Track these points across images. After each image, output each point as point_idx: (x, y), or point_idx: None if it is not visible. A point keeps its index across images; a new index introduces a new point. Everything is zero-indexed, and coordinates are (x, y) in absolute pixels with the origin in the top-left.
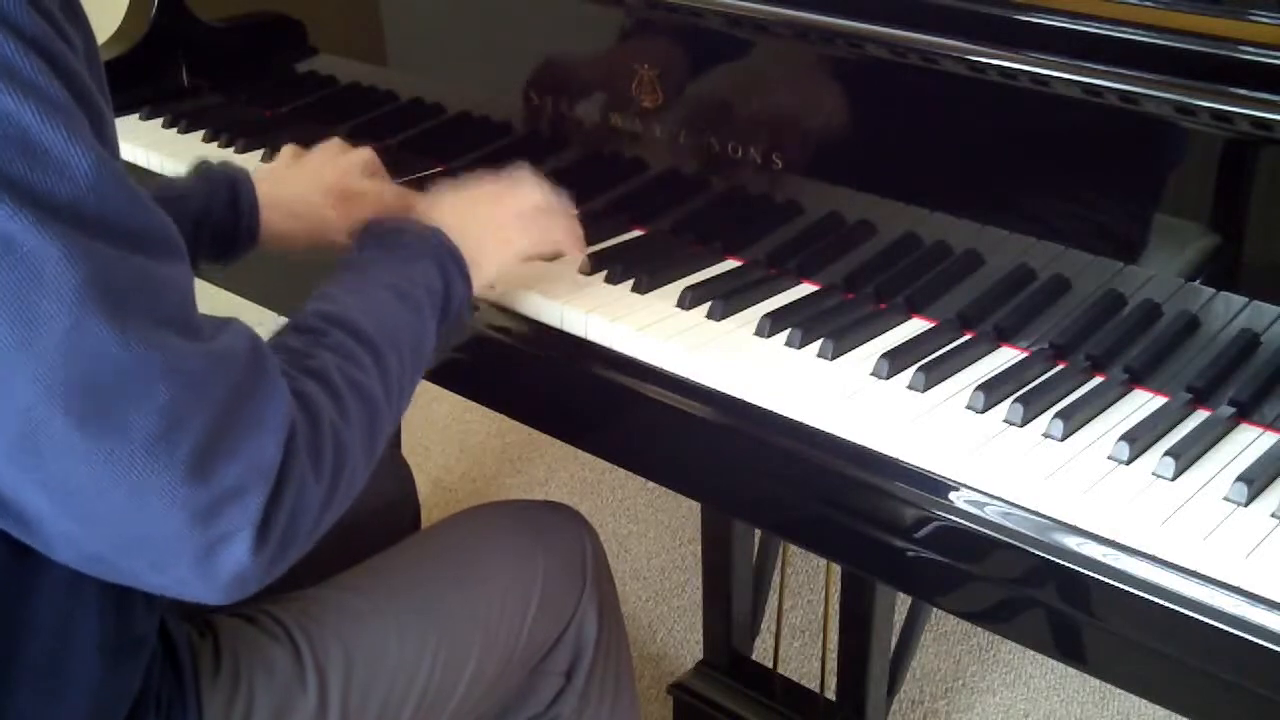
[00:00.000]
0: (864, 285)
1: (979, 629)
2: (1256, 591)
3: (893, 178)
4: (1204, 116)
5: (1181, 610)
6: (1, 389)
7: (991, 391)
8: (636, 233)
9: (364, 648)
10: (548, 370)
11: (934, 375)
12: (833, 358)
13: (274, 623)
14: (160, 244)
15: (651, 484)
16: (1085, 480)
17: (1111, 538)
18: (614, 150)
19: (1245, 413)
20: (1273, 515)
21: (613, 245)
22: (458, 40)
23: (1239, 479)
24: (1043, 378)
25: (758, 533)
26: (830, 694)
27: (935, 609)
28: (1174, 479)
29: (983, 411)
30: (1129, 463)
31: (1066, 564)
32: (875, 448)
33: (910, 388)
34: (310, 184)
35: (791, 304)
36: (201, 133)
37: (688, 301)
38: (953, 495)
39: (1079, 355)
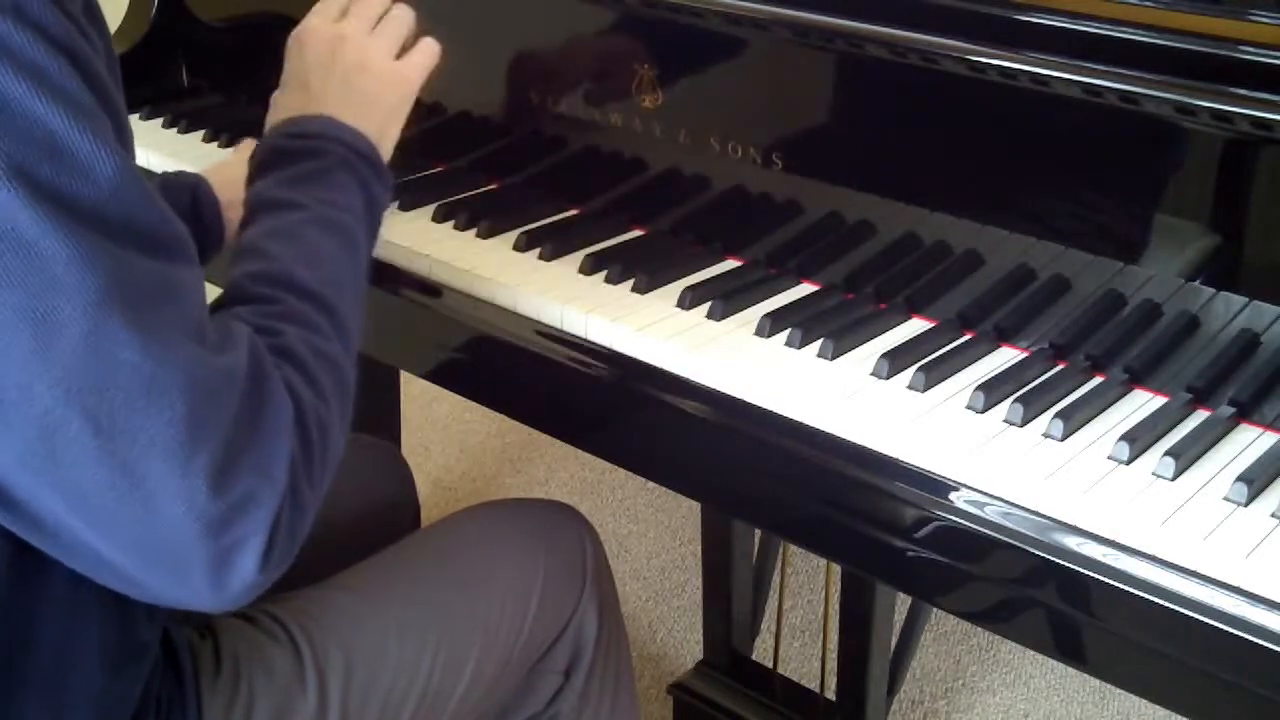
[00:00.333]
0: (864, 285)
1: (979, 629)
2: (1256, 591)
3: (893, 178)
4: (1204, 116)
5: (1181, 610)
6: (20, 393)
7: (991, 391)
8: (636, 233)
9: (364, 648)
10: (548, 370)
11: (934, 375)
12: (833, 358)
13: (274, 623)
14: (177, 249)
15: (651, 484)
16: (1085, 480)
17: (1111, 538)
18: (614, 150)
19: (1245, 413)
20: (1273, 515)
21: (613, 245)
22: (457, 40)
23: (1239, 479)
24: (1043, 378)
25: (758, 533)
26: (830, 694)
27: (935, 609)
28: (1174, 479)
29: (983, 411)
30: (1129, 463)
31: (1066, 564)
32: (875, 448)
33: (910, 388)
34: None
35: (791, 304)
36: (201, 133)
37: (688, 301)
38: (953, 495)
39: (1079, 355)
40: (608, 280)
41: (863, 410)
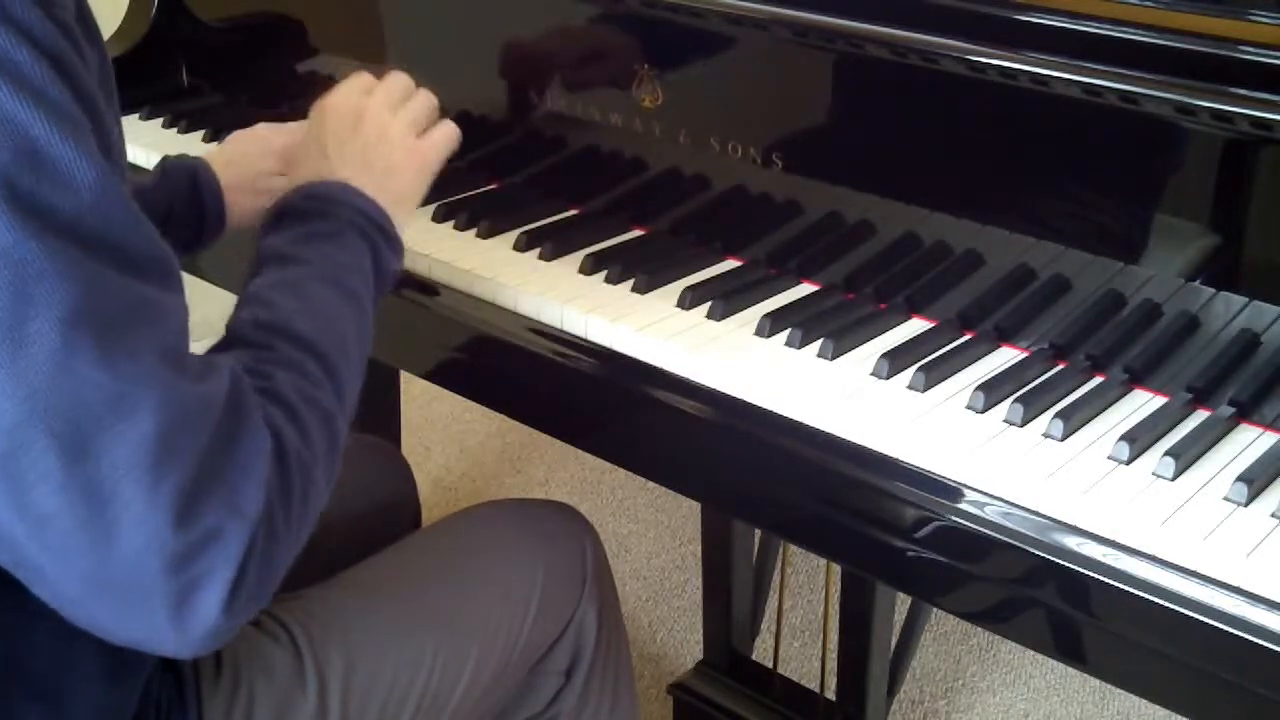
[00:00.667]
0: (864, 285)
1: (979, 629)
2: (1256, 591)
3: (893, 178)
4: (1204, 116)
5: (1181, 610)
6: None
7: (991, 391)
8: (636, 233)
9: (364, 648)
10: (548, 370)
11: (934, 375)
12: (833, 358)
13: (274, 624)
14: (159, 271)
15: (651, 484)
16: (1085, 480)
17: (1111, 538)
18: (614, 150)
19: (1245, 413)
20: (1273, 515)
21: (613, 245)
22: (458, 40)
23: (1239, 479)
24: (1043, 378)
25: (758, 533)
26: (830, 694)
27: (935, 609)
28: (1174, 479)
29: (983, 411)
30: (1129, 463)
31: (1066, 564)
32: (875, 448)
33: (910, 388)
34: (263, 155)
35: (791, 304)
36: (201, 133)
37: (688, 301)
38: (953, 495)
39: (1079, 355)
40: (608, 280)
41: (863, 410)
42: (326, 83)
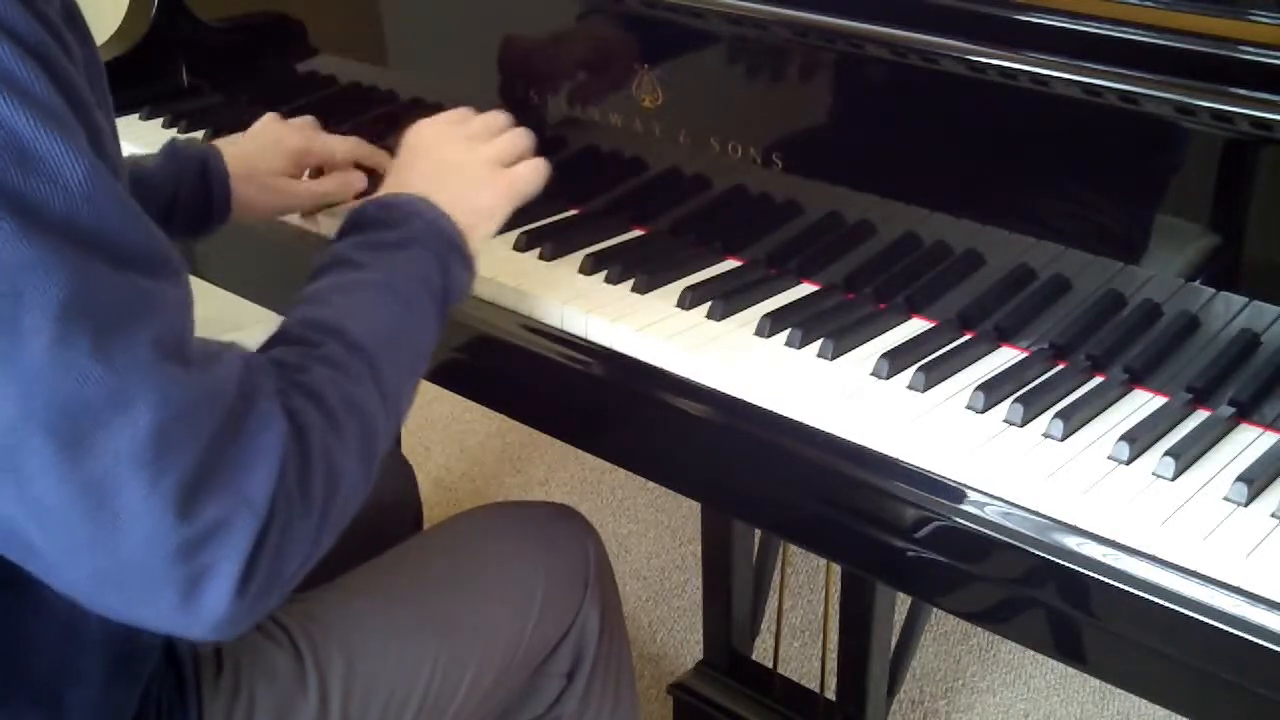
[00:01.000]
0: (864, 285)
1: (979, 629)
2: (1256, 591)
3: (893, 178)
4: (1204, 116)
5: (1181, 610)
6: None
7: (991, 391)
8: (636, 233)
9: (365, 650)
10: (548, 370)
11: (934, 375)
12: (833, 358)
13: (275, 626)
14: (156, 263)
15: (651, 484)
16: (1085, 480)
17: (1111, 538)
18: (614, 150)
19: (1245, 413)
20: (1273, 515)
21: (613, 245)
22: (458, 40)
23: (1239, 479)
24: (1043, 378)
25: (758, 533)
26: (830, 694)
27: (935, 609)
28: (1174, 479)
29: (983, 411)
30: (1129, 463)
31: (1066, 564)
32: (875, 448)
33: (910, 388)
34: (274, 151)
35: (791, 304)
36: (202, 133)
37: (688, 301)
38: (953, 495)
39: (1079, 355)
40: (608, 280)
41: (863, 410)
42: (326, 82)
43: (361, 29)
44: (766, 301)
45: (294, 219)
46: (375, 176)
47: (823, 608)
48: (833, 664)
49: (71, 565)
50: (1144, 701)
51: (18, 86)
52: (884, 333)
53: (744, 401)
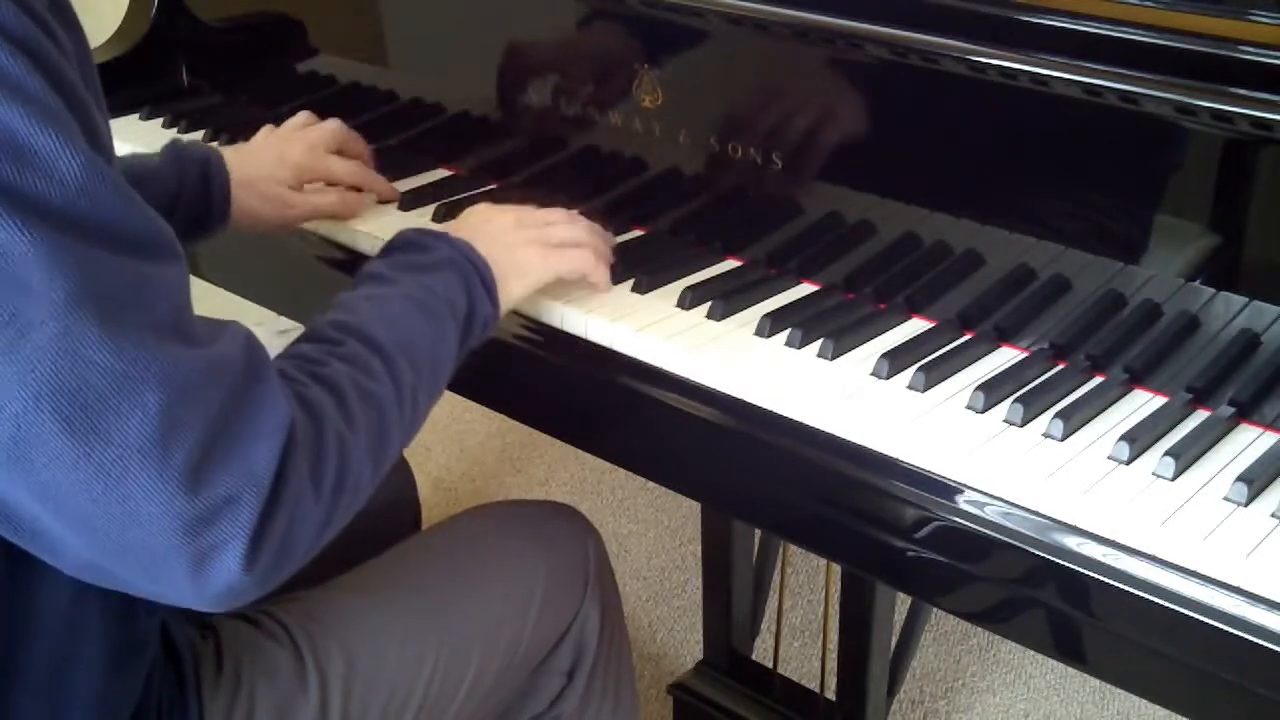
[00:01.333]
0: (864, 285)
1: (979, 629)
2: (1256, 591)
3: (893, 178)
4: (1204, 116)
5: (1181, 610)
6: None
7: (991, 391)
8: (636, 233)
9: (365, 649)
10: (548, 370)
11: (934, 375)
12: (833, 358)
13: (276, 625)
14: (155, 246)
15: (651, 484)
16: (1085, 480)
17: (1111, 538)
18: (614, 150)
19: (1245, 413)
20: (1273, 515)
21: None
22: (458, 40)
23: (1239, 479)
24: (1043, 378)
25: (758, 533)
26: (830, 694)
27: (935, 609)
28: (1174, 479)
29: (983, 411)
30: (1129, 463)
31: (1066, 564)
32: (875, 448)
33: (910, 388)
34: (277, 163)
35: (791, 304)
36: (201, 133)
37: (688, 301)
38: (953, 495)
39: (1079, 355)
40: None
41: (863, 410)
42: (326, 82)
43: (361, 29)
44: (766, 301)
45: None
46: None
47: (823, 608)
48: (833, 664)
49: (83, 545)
50: (1144, 701)
51: (10, 83)
52: (884, 333)
53: (744, 401)
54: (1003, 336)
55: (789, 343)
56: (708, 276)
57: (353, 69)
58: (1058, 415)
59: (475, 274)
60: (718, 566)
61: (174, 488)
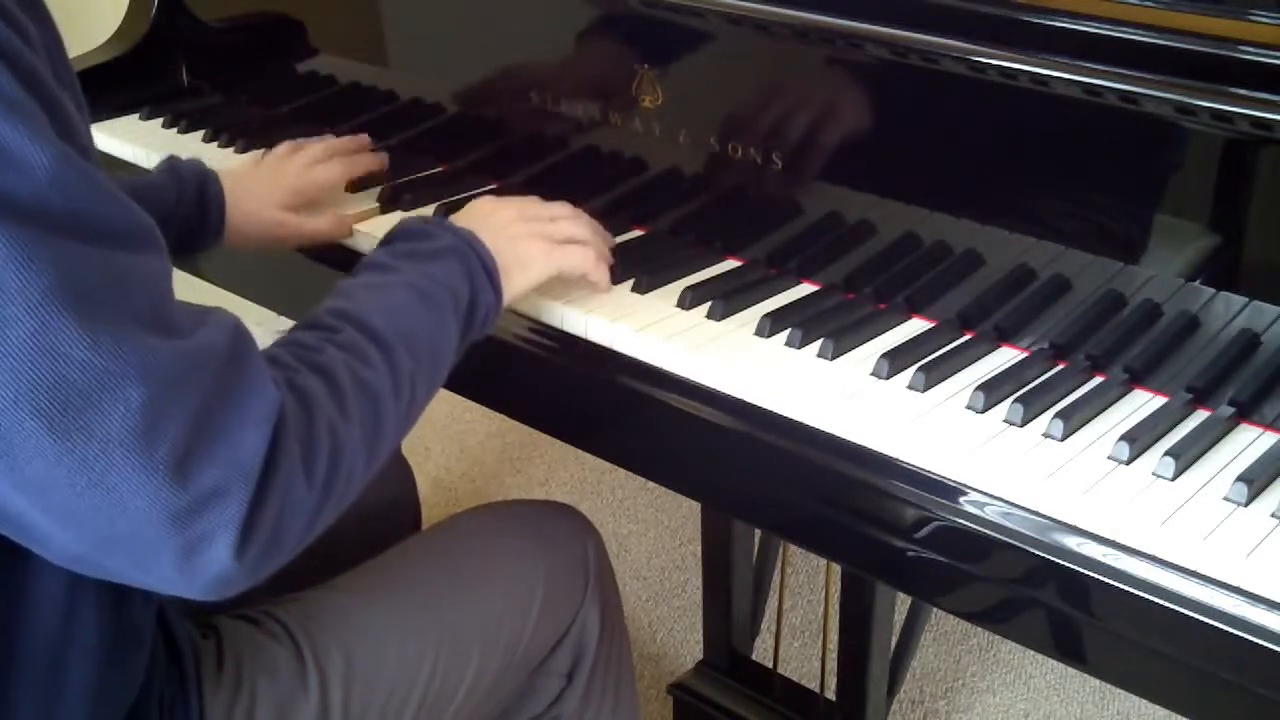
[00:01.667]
0: (864, 285)
1: (979, 629)
2: (1256, 591)
3: (893, 178)
4: (1204, 116)
5: (1181, 610)
6: None
7: (991, 391)
8: (636, 233)
9: (365, 649)
10: (547, 370)
11: (934, 375)
12: (833, 358)
13: (276, 624)
14: (132, 236)
15: (651, 484)
16: (1085, 480)
17: (1111, 538)
18: (614, 150)
19: (1245, 413)
20: (1273, 515)
21: (612, 245)
22: (458, 40)
23: (1239, 479)
24: (1043, 378)
25: (758, 533)
26: (830, 694)
27: (935, 609)
28: (1174, 479)
29: (983, 411)
30: (1129, 463)
31: (1066, 564)
32: (875, 448)
33: (910, 388)
34: (271, 186)
35: (791, 304)
36: (201, 133)
37: (688, 301)
38: (953, 495)
39: (1079, 355)
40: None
41: (863, 410)
42: (326, 82)
43: (361, 29)
44: (766, 301)
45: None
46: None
47: (823, 608)
48: (833, 664)
49: (70, 538)
50: (1144, 701)
51: None
52: (884, 333)
53: (744, 401)
54: (1003, 336)
55: (789, 343)
56: (708, 276)
57: (353, 69)
58: (1058, 415)
59: (478, 263)
60: (718, 566)
61: (160, 480)
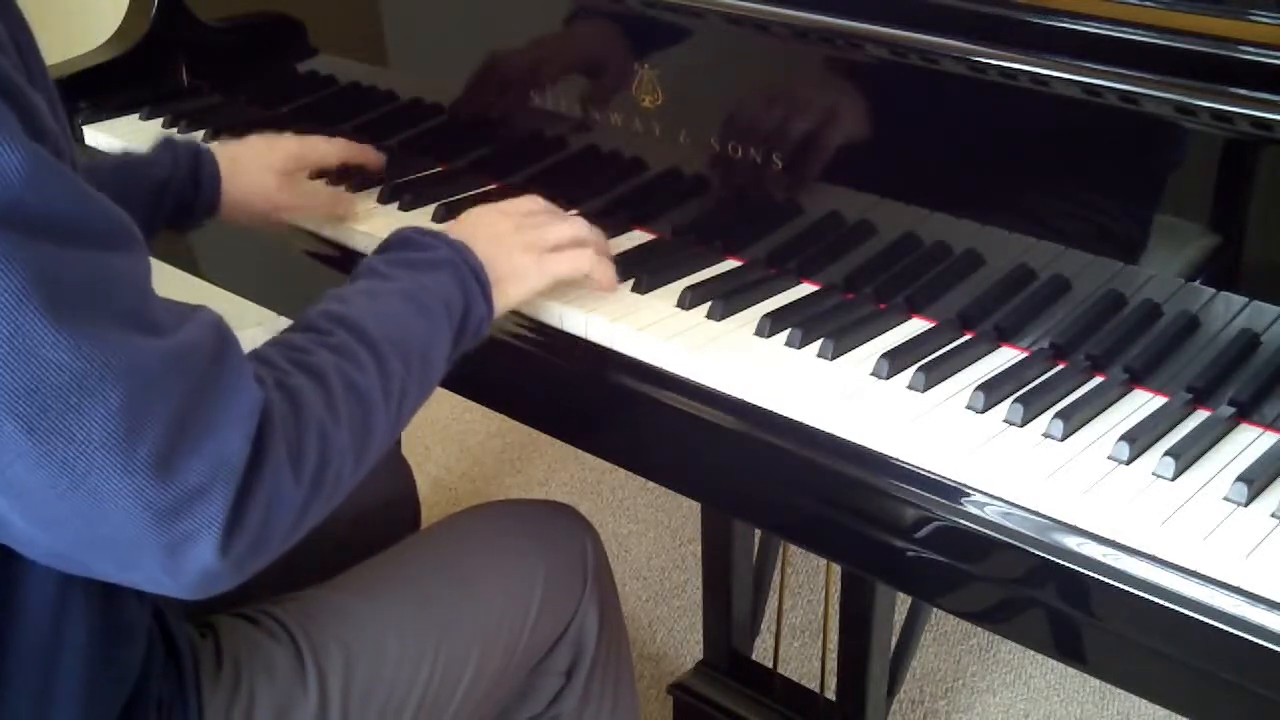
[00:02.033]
0: (864, 285)
1: (979, 629)
2: (1256, 591)
3: (893, 178)
4: (1204, 116)
5: (1182, 610)
6: None
7: (991, 391)
8: (636, 233)
9: (365, 649)
10: (548, 370)
11: (934, 375)
12: (833, 358)
13: (275, 623)
14: (109, 235)
15: (651, 484)
16: (1085, 480)
17: (1111, 538)
18: (614, 150)
19: (1245, 413)
20: (1273, 515)
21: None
22: (458, 40)
23: (1239, 479)
24: (1043, 378)
25: (758, 533)
26: (830, 694)
27: (935, 609)
28: (1174, 479)
29: (983, 411)
30: (1129, 463)
31: (1066, 564)
32: (875, 448)
33: (910, 388)
34: (269, 156)
35: (791, 304)
36: (202, 133)
37: (688, 301)
38: (953, 495)
39: (1079, 355)
40: None
41: (863, 410)
42: (326, 82)
43: (361, 29)
44: (766, 301)
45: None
46: (365, 175)
47: (823, 608)
48: (833, 664)
49: (51, 538)
50: (1144, 701)
51: None
52: (884, 333)
53: (744, 401)
54: (1003, 336)
55: (789, 343)
56: (708, 276)
57: (353, 69)
58: (1058, 415)
59: (472, 276)
60: (718, 566)
61: (142, 480)
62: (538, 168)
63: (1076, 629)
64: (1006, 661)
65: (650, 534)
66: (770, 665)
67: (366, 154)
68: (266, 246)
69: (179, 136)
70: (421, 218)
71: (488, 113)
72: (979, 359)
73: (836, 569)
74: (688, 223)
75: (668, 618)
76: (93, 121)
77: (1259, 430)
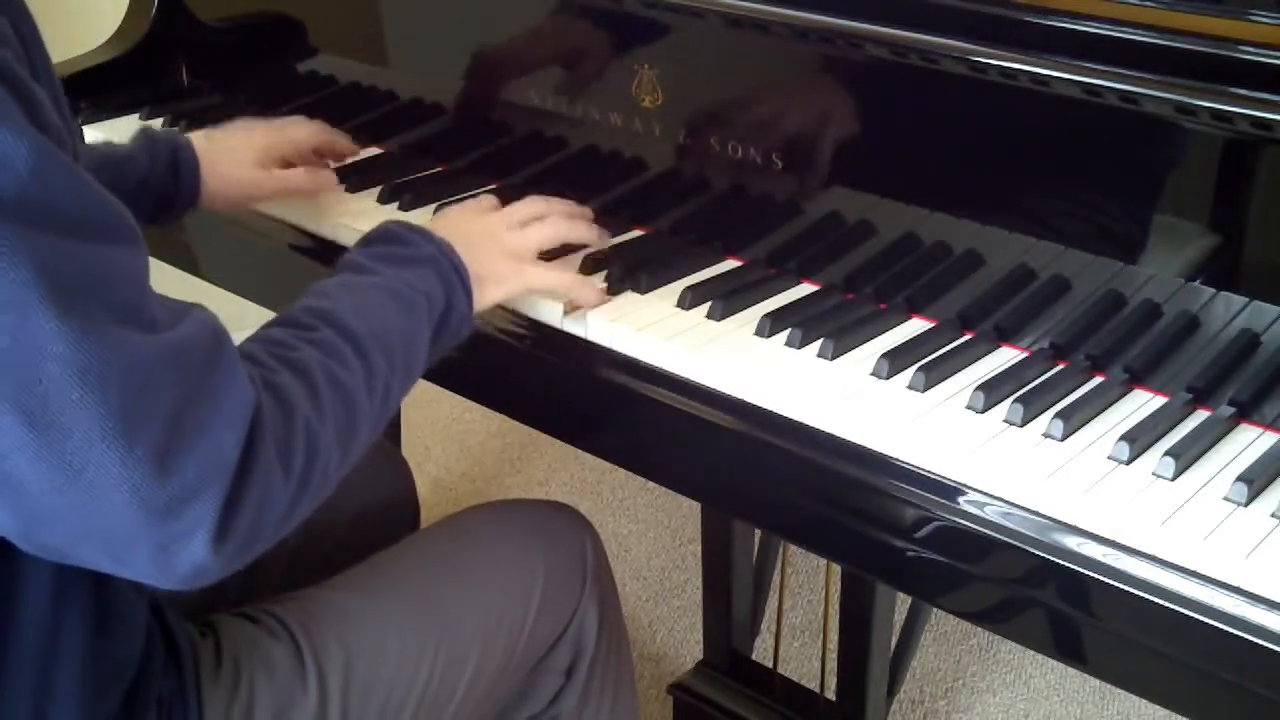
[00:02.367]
0: (864, 285)
1: (979, 629)
2: (1256, 591)
3: (893, 178)
4: (1204, 116)
5: (1182, 610)
6: None
7: (991, 391)
8: (636, 233)
9: (364, 648)
10: (547, 370)
11: (934, 375)
12: (833, 358)
13: (275, 622)
14: (110, 229)
15: (651, 484)
16: (1085, 480)
17: (1112, 538)
18: (614, 150)
19: (1245, 413)
20: (1273, 515)
21: (613, 245)
22: (458, 40)
23: (1239, 479)
24: (1043, 378)
25: (758, 533)
26: (830, 694)
27: (935, 609)
28: (1174, 479)
29: (983, 411)
30: (1129, 463)
31: (1066, 564)
32: (875, 448)
33: (910, 388)
34: (245, 141)
35: (791, 304)
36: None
37: (688, 301)
38: (953, 495)
39: (1079, 355)
40: (608, 280)
41: (863, 410)
42: (326, 82)
43: (361, 29)
44: (766, 301)
45: (290, 215)
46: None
47: (823, 608)
48: (833, 664)
49: (46, 531)
50: (1144, 701)
51: None
52: (884, 333)
53: (744, 401)
54: (1003, 336)
55: (789, 343)
56: (708, 276)
57: (353, 69)
58: (1058, 415)
59: (454, 274)
60: (718, 566)
61: (139, 477)
62: (538, 168)
63: (1076, 629)
64: (1006, 661)
65: (650, 534)
66: (770, 665)
67: (342, 142)
68: (266, 247)
69: (158, 130)
70: (422, 218)
71: (488, 113)
72: (979, 359)
73: (836, 569)
74: (688, 223)
75: (668, 618)
76: (93, 121)
77: (1259, 430)
